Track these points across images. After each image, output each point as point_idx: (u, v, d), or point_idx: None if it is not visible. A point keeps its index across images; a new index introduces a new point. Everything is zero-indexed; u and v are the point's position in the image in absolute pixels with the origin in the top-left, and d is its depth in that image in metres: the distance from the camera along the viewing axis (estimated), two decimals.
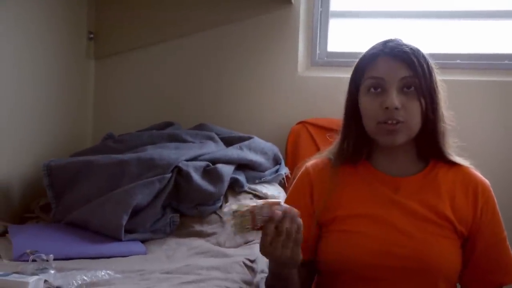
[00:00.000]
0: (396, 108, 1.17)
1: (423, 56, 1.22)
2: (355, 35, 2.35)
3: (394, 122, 1.18)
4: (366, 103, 1.22)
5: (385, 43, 1.24)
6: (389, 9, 2.34)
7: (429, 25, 2.30)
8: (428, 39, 2.26)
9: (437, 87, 1.23)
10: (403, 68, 1.19)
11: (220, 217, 1.80)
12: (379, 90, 1.20)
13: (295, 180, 1.34)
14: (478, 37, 2.25)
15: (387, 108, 1.17)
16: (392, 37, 1.25)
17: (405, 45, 1.22)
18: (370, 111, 1.21)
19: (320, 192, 1.27)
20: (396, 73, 1.19)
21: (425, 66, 1.21)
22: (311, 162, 1.33)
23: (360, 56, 1.27)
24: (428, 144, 1.24)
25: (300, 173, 1.33)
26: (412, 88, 1.19)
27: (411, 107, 1.19)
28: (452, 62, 2.20)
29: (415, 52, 1.21)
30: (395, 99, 1.17)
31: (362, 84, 1.23)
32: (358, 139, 1.27)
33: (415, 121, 1.20)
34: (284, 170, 2.03)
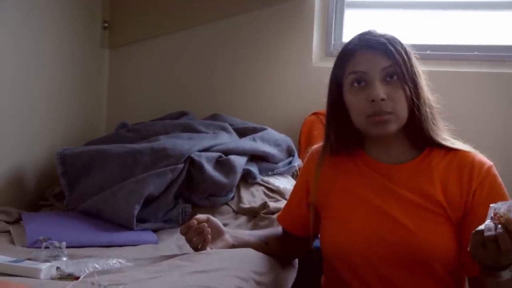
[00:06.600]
0: (383, 99, 1.18)
1: (400, 43, 1.23)
2: (370, 26, 2.30)
3: (383, 113, 1.18)
4: (352, 99, 1.23)
5: (361, 36, 1.25)
6: (405, 0, 2.30)
7: (445, 16, 2.25)
8: (445, 30, 2.22)
9: (418, 71, 1.23)
10: (383, 58, 1.20)
11: (232, 208, 1.80)
12: (362, 84, 1.21)
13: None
14: (497, 29, 2.21)
15: (373, 101, 1.18)
16: (367, 30, 1.26)
17: (381, 35, 1.23)
18: (357, 107, 1.22)
19: (313, 175, 1.32)
20: (377, 64, 1.20)
21: (403, 53, 1.21)
22: (316, 146, 1.37)
23: (338, 53, 1.28)
24: (418, 130, 1.23)
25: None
26: (395, 77, 1.20)
27: (397, 96, 1.19)
28: (470, 53, 2.16)
29: (392, 41, 1.22)
30: (380, 90, 1.18)
31: (344, 81, 1.24)
32: (341, 134, 1.28)
33: (402, 109, 1.20)
34: (297, 162, 2.02)
